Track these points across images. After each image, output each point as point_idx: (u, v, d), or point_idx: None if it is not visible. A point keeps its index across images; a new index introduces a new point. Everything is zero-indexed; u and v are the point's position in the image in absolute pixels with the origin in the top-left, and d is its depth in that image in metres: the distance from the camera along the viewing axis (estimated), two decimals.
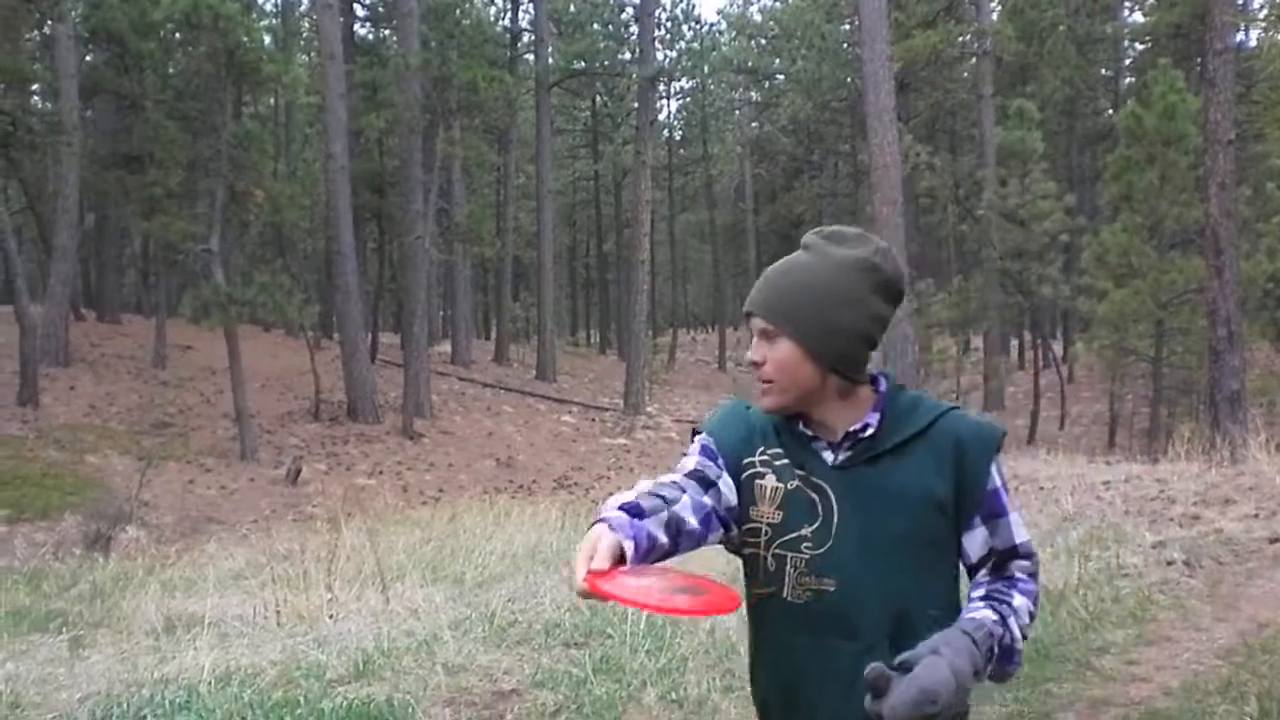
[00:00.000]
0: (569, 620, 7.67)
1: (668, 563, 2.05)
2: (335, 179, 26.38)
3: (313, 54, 39.36)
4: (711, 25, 58.50)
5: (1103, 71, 45.38)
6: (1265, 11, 34.04)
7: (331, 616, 8.13)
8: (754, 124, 58.43)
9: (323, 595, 8.67)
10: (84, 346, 28.25)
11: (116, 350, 29.03)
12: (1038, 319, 34.47)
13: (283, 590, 8.85)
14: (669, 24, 53.79)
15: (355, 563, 10.21)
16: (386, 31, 38.73)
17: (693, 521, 2.11)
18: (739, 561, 2.33)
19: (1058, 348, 37.09)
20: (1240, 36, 36.03)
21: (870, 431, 2.23)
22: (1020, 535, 2.27)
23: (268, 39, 35.61)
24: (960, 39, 37.32)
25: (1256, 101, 31.50)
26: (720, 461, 2.33)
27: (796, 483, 2.24)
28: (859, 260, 2.29)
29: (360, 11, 39.30)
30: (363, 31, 39.69)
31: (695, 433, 2.45)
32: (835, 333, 2.25)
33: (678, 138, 66.42)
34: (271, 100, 40.79)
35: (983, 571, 2.26)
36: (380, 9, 38.84)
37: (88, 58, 28.25)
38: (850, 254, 2.31)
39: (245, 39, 22.09)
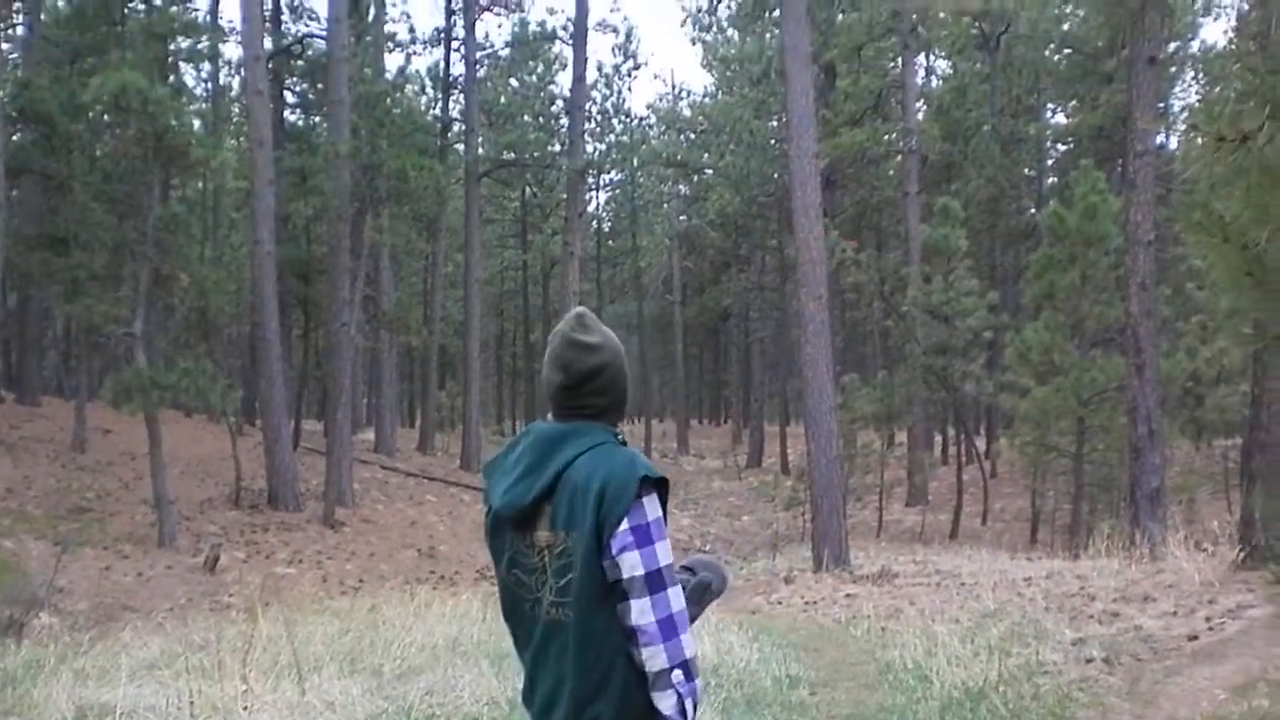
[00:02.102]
0: (487, 714, 7.60)
1: None
2: (262, 264, 26.25)
3: (242, 139, 39.34)
4: (641, 119, 58.99)
5: (1026, 171, 46.12)
6: (1185, 116, 34.91)
7: (246, 709, 8.01)
8: (682, 217, 58.83)
9: (238, 687, 8.54)
10: (2, 429, 27.82)
11: (35, 433, 28.59)
12: (961, 414, 34.79)
13: (197, 681, 8.71)
14: (599, 117, 54.34)
15: (272, 653, 10.07)
16: (316, 119, 38.77)
17: None
18: None
19: (981, 443, 37.43)
20: (1161, 139, 36.98)
21: None
22: None
23: (197, 123, 35.58)
24: (886, 137, 38.01)
25: (1177, 203, 32.18)
26: None
27: None
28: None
29: (290, 98, 39.35)
30: (293, 118, 39.70)
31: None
32: None
33: (607, 229, 66.83)
34: (200, 184, 40.63)
35: None
36: (310, 96, 38.89)
37: (15, 137, 28.10)
38: None
39: (174, 123, 21.98)
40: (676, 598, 2.96)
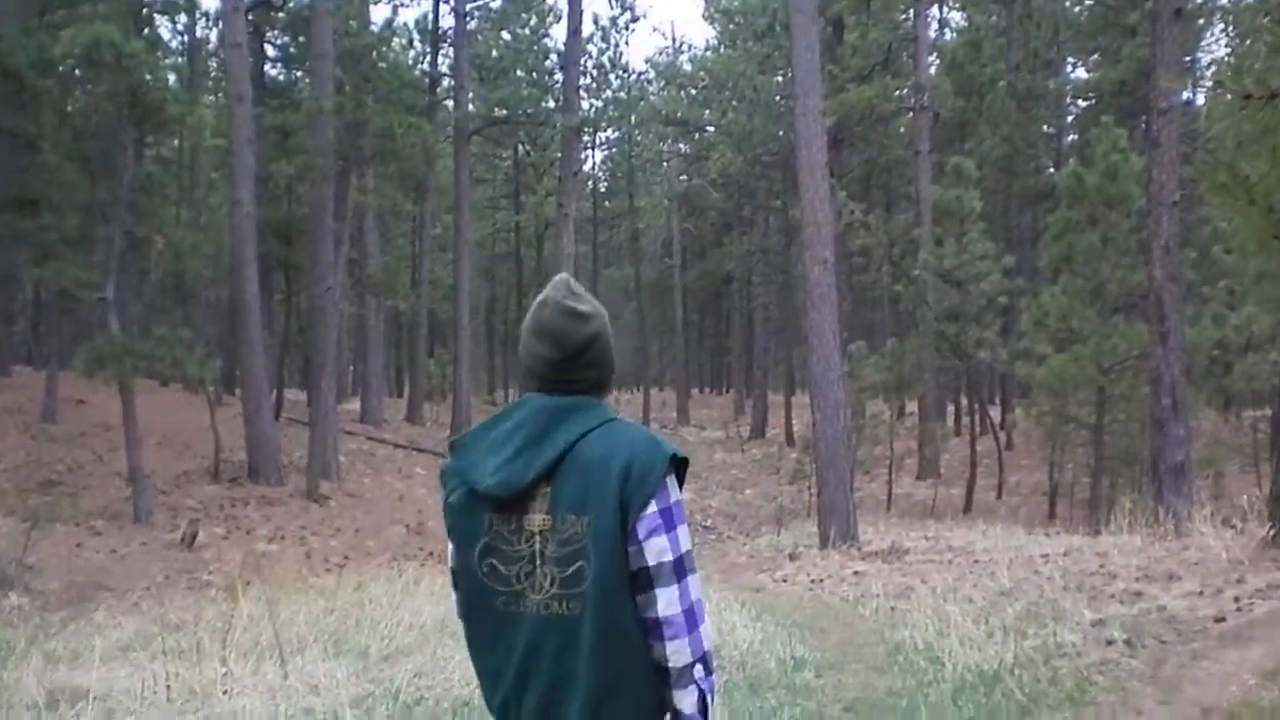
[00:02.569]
0: (478, 698, 7.55)
1: None
2: (241, 226, 26.14)
3: (220, 95, 39.16)
4: (639, 74, 58.85)
5: (1044, 129, 45.99)
6: (1211, 71, 34.67)
7: (226, 692, 7.99)
8: (682, 177, 58.67)
9: (217, 669, 8.52)
10: None
11: (4, 404, 28.55)
12: (975, 384, 34.77)
13: (174, 663, 8.69)
14: (595, 72, 54.05)
15: (252, 634, 10.05)
16: (299, 73, 38.57)
17: None
18: None
19: (995, 414, 37.38)
20: (1186, 95, 36.80)
21: None
22: None
23: (173, 78, 35.45)
24: (897, 93, 37.78)
25: (1201, 163, 32.00)
26: None
27: None
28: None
29: (271, 52, 39.14)
30: (274, 73, 39.53)
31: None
32: None
33: (603, 190, 66.70)
34: (176, 143, 40.50)
35: None
36: (292, 50, 38.65)
37: None
38: None
39: (149, 78, 21.83)
40: (697, 585, 2.90)
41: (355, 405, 40.90)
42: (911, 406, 36.65)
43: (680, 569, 2.85)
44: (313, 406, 28.38)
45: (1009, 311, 30.70)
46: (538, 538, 2.86)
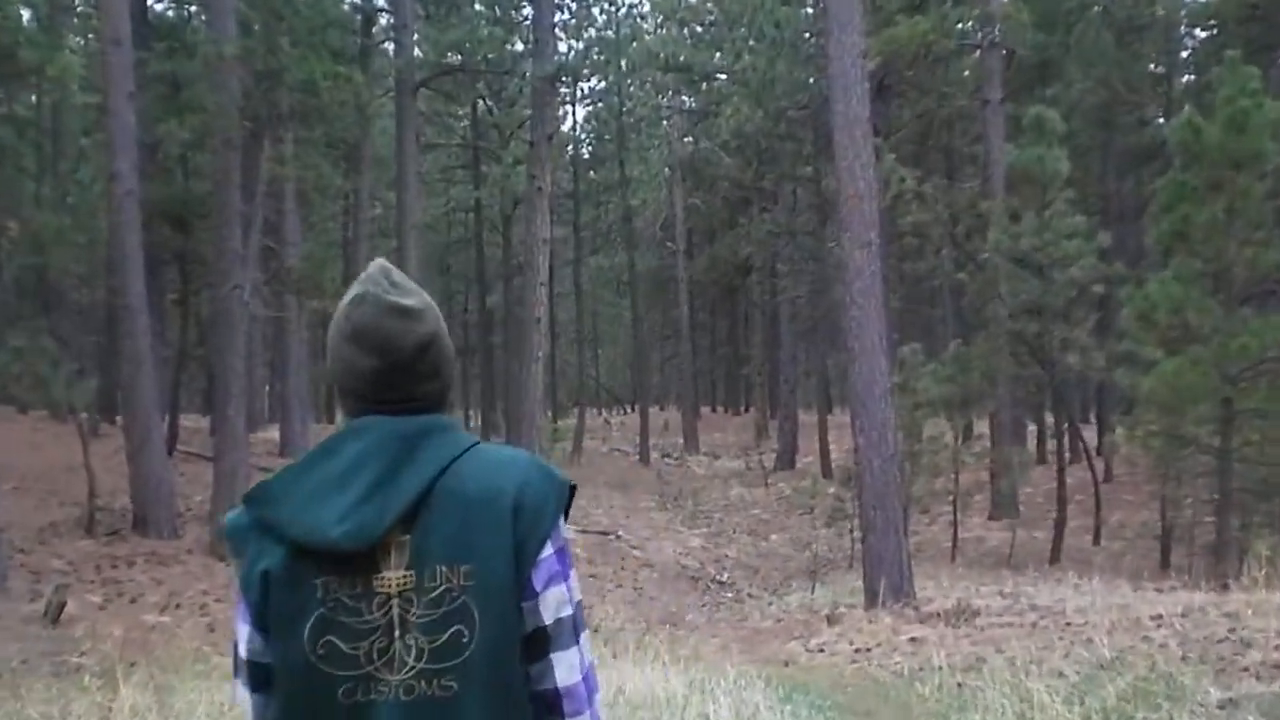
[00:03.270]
0: None
1: None
2: (122, 208, 25.97)
3: (91, 37, 39.09)
4: (631, 8, 58.90)
5: (1150, 68, 45.76)
6: None
7: None
8: (687, 139, 58.63)
9: None
10: None
11: None
12: (1062, 398, 34.60)
13: None
14: (574, 6, 53.98)
15: None
16: (192, 9, 38.43)
17: None
18: None
19: (1090, 436, 37.25)
20: None
21: None
22: None
23: (26, 16, 35.26)
24: (959, 26, 37.55)
25: None
26: None
27: None
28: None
29: None
30: (160, 8, 39.45)
31: None
32: None
33: (586, 157, 66.75)
34: (33, 99, 40.31)
35: None
36: None
37: None
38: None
39: None
40: (589, 643, 2.93)
41: (274, 434, 40.86)
42: (981, 427, 36.56)
43: (577, 625, 2.91)
44: (217, 437, 28.24)
45: (1106, 304, 30.63)
46: (395, 601, 2.78)
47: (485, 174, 55.61)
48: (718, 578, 28.43)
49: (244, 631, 2.88)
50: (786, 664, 15.68)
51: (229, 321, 27.55)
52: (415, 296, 2.99)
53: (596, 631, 19.05)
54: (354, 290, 3.01)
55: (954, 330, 40.65)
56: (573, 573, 2.91)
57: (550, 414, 51.41)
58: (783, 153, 47.93)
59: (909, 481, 25.53)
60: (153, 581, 23.60)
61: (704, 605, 25.34)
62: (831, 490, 30.90)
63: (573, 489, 2.95)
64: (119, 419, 30.56)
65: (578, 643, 2.86)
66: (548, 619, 2.82)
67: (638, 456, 52.46)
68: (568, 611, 2.84)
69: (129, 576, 23.67)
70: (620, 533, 32.20)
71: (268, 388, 48.27)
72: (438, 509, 2.78)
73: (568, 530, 2.92)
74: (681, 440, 54.86)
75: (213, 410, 32.47)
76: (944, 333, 41.64)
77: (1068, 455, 33.95)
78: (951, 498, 30.27)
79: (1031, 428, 44.03)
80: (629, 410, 70.00)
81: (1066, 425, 34.72)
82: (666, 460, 50.99)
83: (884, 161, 27.25)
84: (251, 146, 27.99)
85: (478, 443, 2.94)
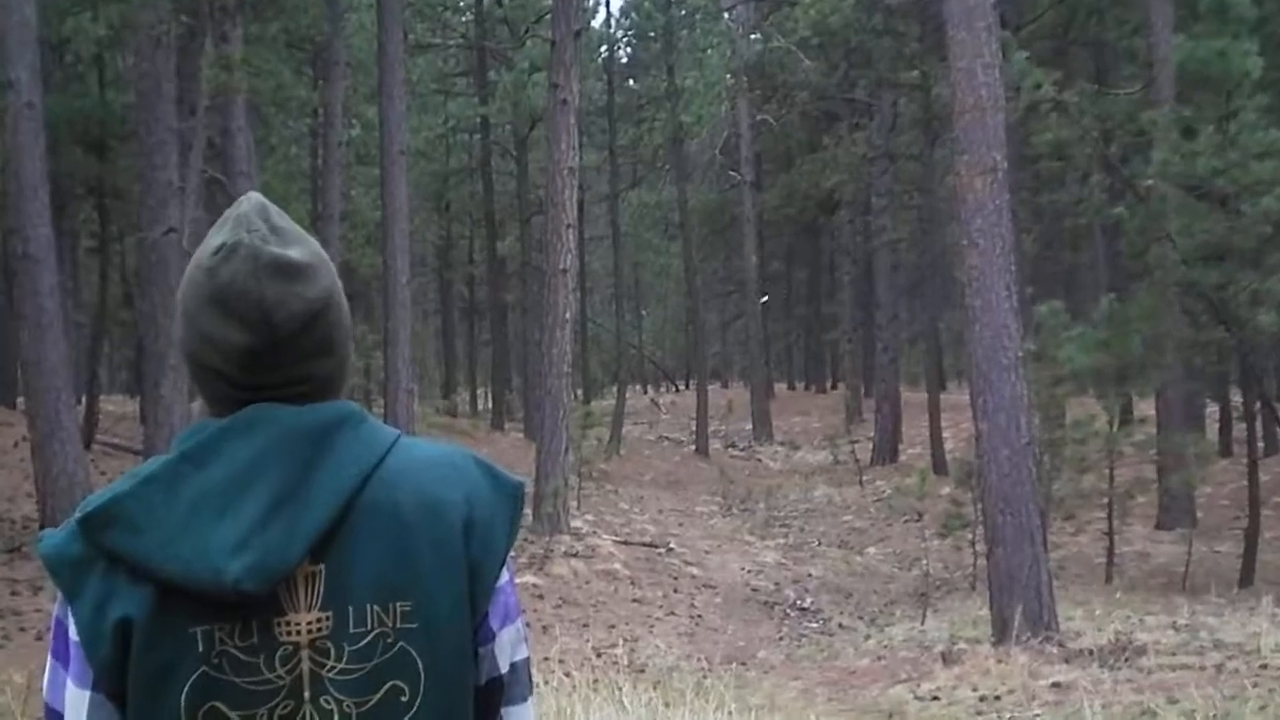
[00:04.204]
0: None
1: None
2: (19, 126, 25.81)
3: None
4: None
5: None
6: None
7: None
8: (754, 36, 58.42)
9: None
10: None
11: None
12: (1253, 369, 34.15)
13: None
14: None
15: None
16: None
17: None
18: None
19: None
20: None
21: None
22: None
23: None
24: None
25: None
26: None
27: None
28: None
29: None
30: None
31: None
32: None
33: (624, 60, 66.53)
34: None
35: None
36: None
37: None
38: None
39: None
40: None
41: None
42: (1144, 408, 36.16)
43: (529, 670, 2.90)
44: (148, 422, 28.22)
45: None
46: (306, 653, 2.61)
47: (494, 83, 55.58)
48: (798, 603, 28.29)
49: (76, 698, 2.63)
50: (890, 716, 15.51)
51: (162, 275, 27.38)
52: (302, 246, 2.77)
53: (642, 672, 18.95)
54: (219, 236, 2.76)
55: (1107, 281, 40.31)
56: (519, 607, 2.89)
57: (580, 393, 51.25)
58: (879, 52, 47.67)
59: (1048, 479, 25.30)
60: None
61: (781, 639, 25.20)
62: (946, 490, 30.75)
63: (522, 489, 2.88)
64: (19, 401, 30.54)
65: (531, 693, 2.85)
66: (503, 666, 2.78)
67: (693, 447, 52.62)
68: (522, 654, 2.81)
69: (34, 606, 23.57)
70: (672, 545, 32.08)
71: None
72: (362, 530, 2.64)
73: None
74: (750, 426, 54.92)
75: (142, 390, 32.39)
76: (1093, 285, 41.26)
77: (1261, 445, 33.53)
78: (1105, 500, 29.94)
79: (1211, 409, 43.50)
80: (682, 388, 69.99)
81: (1259, 406, 34.23)
82: (731, 451, 50.99)
83: (1013, 62, 26.92)
84: (189, 46, 27.87)
85: (399, 437, 2.79)
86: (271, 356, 2.68)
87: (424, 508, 2.68)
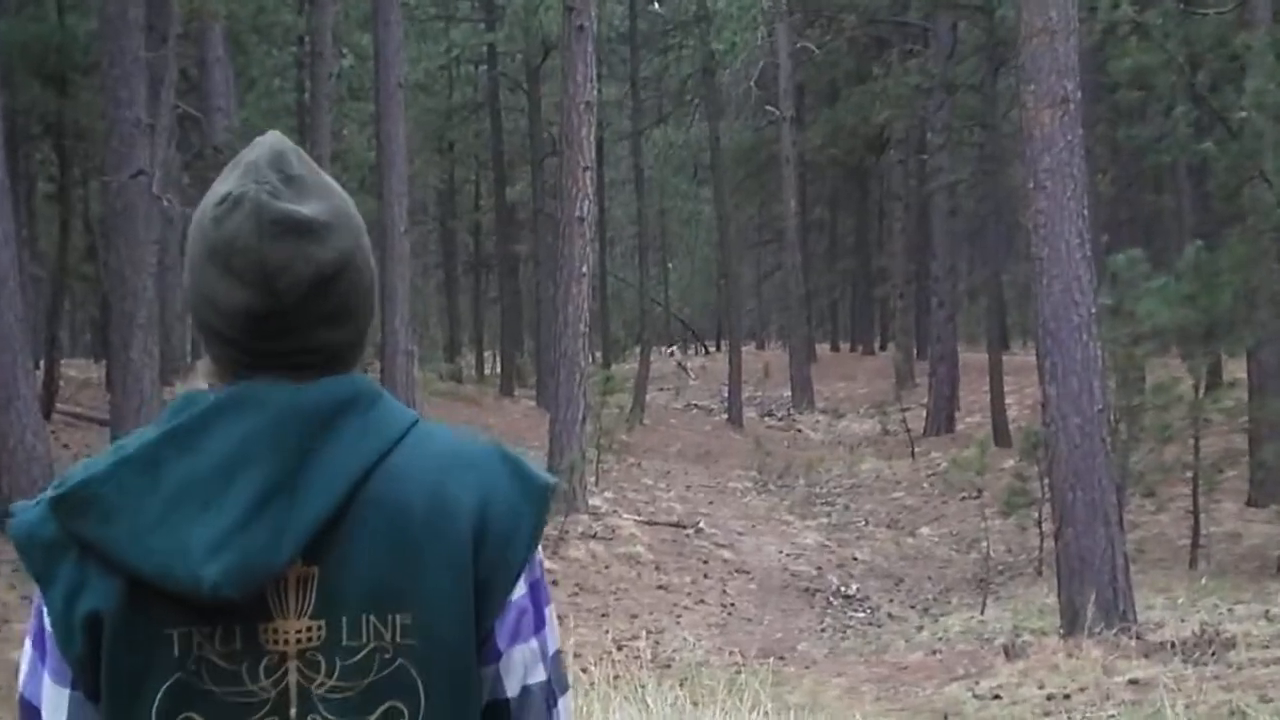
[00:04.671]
0: None
1: None
2: None
3: None
4: None
5: None
6: None
7: None
8: None
9: None
10: None
11: None
12: None
13: None
14: None
15: None
16: None
17: None
18: None
19: None
20: None
21: None
22: None
23: None
24: None
25: None
26: None
27: None
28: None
29: None
30: None
31: None
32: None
33: None
34: None
35: None
36: None
37: None
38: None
39: None
40: (570, 710, 2.87)
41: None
42: (1235, 370, 36.05)
43: (553, 691, 2.80)
44: (115, 391, 28.19)
45: None
46: (294, 665, 2.57)
47: (502, 8, 55.57)
48: (843, 590, 28.34)
49: (54, 697, 2.61)
50: (946, 717, 15.48)
51: (129, 224, 27.36)
52: (321, 199, 2.70)
53: (668, 668, 18.92)
54: (226, 182, 2.68)
55: (1193, 227, 40.21)
56: (549, 611, 2.79)
57: (600, 356, 51.25)
58: None
59: (1125, 450, 25.23)
60: (24, 602, 23.51)
61: (823, 630, 25.24)
62: (1009, 464, 30.72)
63: (552, 490, 2.79)
64: None
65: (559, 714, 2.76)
66: (511, 689, 2.70)
67: (726, 415, 52.63)
68: (539, 678, 2.72)
69: None
70: (701, 525, 32.09)
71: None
72: (362, 529, 2.56)
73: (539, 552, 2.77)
74: (789, 392, 54.93)
75: (108, 353, 32.41)
76: (1178, 231, 41.16)
77: None
78: (1190, 474, 29.90)
79: None
80: (713, 350, 70.01)
81: None
82: (768, 421, 51.02)
83: None
84: None
85: (417, 422, 2.72)
86: (275, 322, 2.63)
87: (434, 508, 2.61)
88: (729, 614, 26.00)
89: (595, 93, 35.69)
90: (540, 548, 2.76)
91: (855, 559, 31.09)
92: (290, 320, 2.63)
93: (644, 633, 22.24)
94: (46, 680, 2.60)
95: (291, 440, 2.55)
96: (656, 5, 65.45)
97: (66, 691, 2.57)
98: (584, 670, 14.80)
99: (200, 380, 2.70)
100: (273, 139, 2.78)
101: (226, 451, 2.54)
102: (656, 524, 31.73)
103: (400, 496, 2.57)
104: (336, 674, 2.54)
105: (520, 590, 2.70)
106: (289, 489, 2.51)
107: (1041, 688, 16.21)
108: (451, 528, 2.59)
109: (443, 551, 2.58)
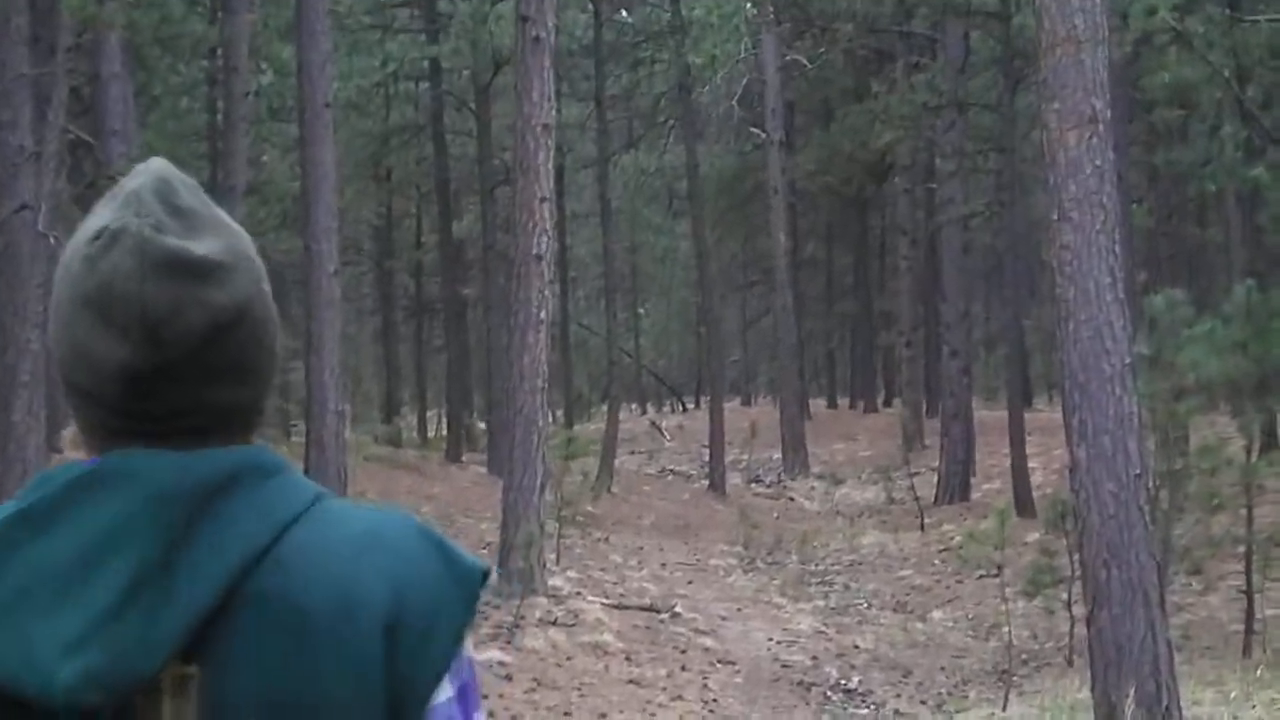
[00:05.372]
0: None
1: None
2: None
3: None
4: None
5: None
6: None
7: None
8: None
9: None
10: None
11: None
12: None
13: None
14: None
15: None
16: None
17: None
18: None
19: None
20: None
21: None
22: None
23: None
24: None
25: None
26: None
27: None
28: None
29: None
30: None
31: None
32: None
33: None
34: None
35: None
36: None
37: None
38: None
39: None
40: None
41: None
42: None
43: None
44: (1, 457, 28.16)
45: None
46: None
47: (446, 16, 55.62)
48: (843, 683, 28.26)
49: None
50: None
51: (11, 265, 27.41)
52: (215, 236, 2.60)
53: None
54: (101, 215, 2.59)
55: (1243, 264, 40.30)
56: (479, 717, 2.68)
57: (561, 415, 51.21)
58: None
59: (1167, 521, 25.17)
60: None
61: None
62: (1033, 537, 30.70)
63: (484, 578, 2.67)
64: None
65: None
66: None
67: (707, 482, 52.66)
68: None
69: None
70: (678, 608, 31.98)
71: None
72: (248, 629, 2.44)
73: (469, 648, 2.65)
74: (779, 455, 54.96)
75: None
76: (1225, 268, 41.22)
77: None
78: (1242, 549, 29.85)
79: None
80: (691, 406, 70.18)
81: None
82: (755, 488, 51.05)
83: None
84: None
85: (319, 499, 2.61)
86: (155, 380, 2.51)
87: (333, 604, 2.49)
88: (711, 711, 25.93)
89: (554, 113, 35.68)
90: (470, 645, 2.66)
91: (857, 647, 31.04)
92: (176, 376, 2.52)
93: None
94: None
95: (168, 522, 2.43)
96: (625, 14, 65.52)
97: None
98: None
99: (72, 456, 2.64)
100: (157, 165, 2.69)
101: (91, 534, 2.42)
102: (627, 608, 31.65)
103: (291, 591, 2.46)
104: None
105: (445, 694, 2.58)
106: (162, 578, 2.39)
107: None
108: (355, 628, 2.47)
109: (345, 656, 2.46)
